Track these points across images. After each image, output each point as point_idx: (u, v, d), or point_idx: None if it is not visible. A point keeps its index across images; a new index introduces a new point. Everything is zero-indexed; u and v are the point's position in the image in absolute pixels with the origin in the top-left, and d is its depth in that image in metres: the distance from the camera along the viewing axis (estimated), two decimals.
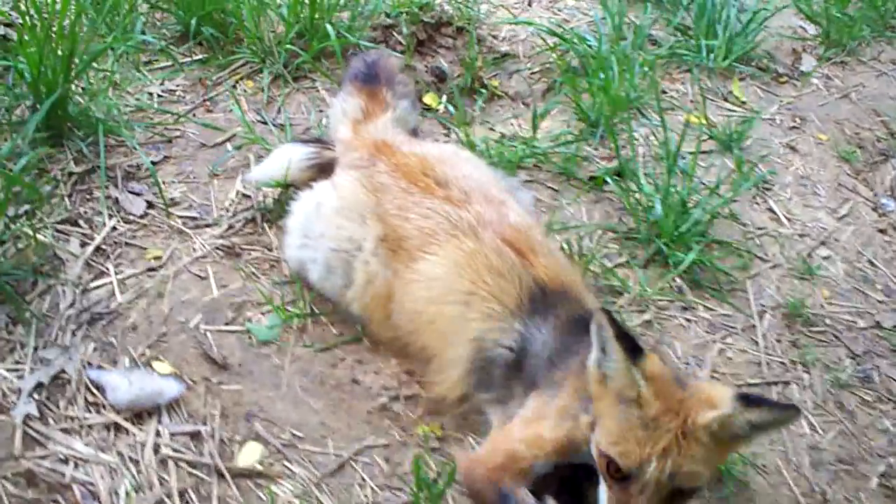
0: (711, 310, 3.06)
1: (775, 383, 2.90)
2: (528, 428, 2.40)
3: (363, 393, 2.65)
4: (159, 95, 3.46)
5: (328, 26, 3.55)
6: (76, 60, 3.04)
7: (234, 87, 3.55)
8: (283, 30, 3.65)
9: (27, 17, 3.00)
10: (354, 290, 2.71)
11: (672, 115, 3.73)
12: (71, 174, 3.07)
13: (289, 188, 3.04)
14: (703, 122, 3.69)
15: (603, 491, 2.18)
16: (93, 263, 2.84)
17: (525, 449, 2.36)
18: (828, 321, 3.10)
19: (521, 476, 2.35)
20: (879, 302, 3.21)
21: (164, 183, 3.12)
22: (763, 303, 3.12)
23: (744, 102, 3.96)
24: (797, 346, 3.03)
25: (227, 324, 2.75)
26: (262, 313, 2.80)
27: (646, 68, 3.74)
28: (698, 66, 4.01)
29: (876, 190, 3.69)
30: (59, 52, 2.97)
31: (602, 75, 3.63)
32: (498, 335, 2.51)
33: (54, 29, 2.98)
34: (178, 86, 3.52)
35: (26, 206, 2.83)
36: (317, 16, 3.57)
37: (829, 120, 3.99)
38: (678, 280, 3.09)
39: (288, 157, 3.03)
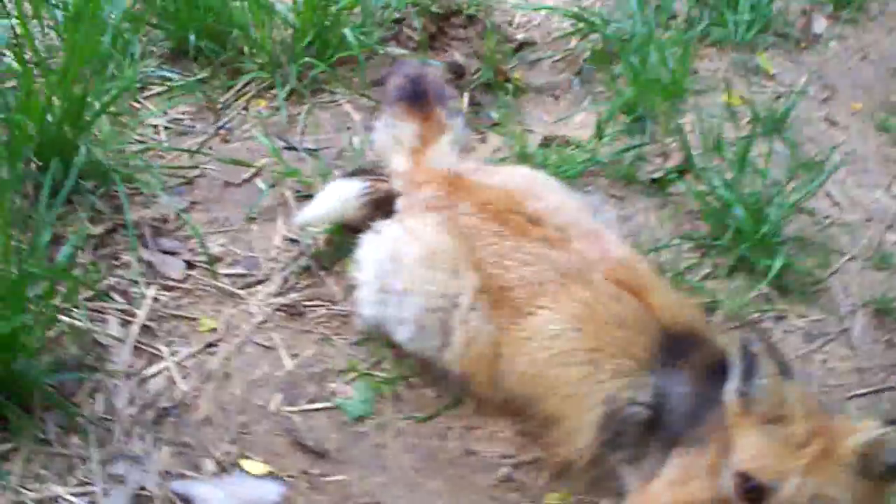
0: (803, 316, 2.87)
1: (881, 391, 2.74)
2: (677, 490, 2.18)
3: (481, 464, 2.39)
4: (165, 128, 3.03)
5: (346, 31, 3.15)
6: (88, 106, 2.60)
7: (244, 108, 3.14)
8: (290, 37, 3.23)
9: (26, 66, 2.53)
10: (453, 350, 2.42)
11: (705, 97, 3.49)
12: (90, 236, 2.66)
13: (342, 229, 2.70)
14: (741, 102, 3.46)
15: None
16: (141, 346, 2.47)
17: None
18: None
19: None
20: None
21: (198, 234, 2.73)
22: (851, 302, 2.94)
23: (773, 76, 3.74)
24: (893, 345, 2.87)
25: (311, 401, 2.44)
26: (347, 383, 2.49)
27: (676, 49, 3.47)
28: (722, 41, 3.76)
29: None
30: (66, 101, 2.53)
31: (634, 59, 3.34)
32: (632, 392, 2.27)
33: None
34: (183, 113, 3.10)
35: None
36: (327, 21, 3.16)
37: (857, 87, 3.80)
38: (765, 288, 2.88)
39: (341, 196, 2.71)
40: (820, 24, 4.06)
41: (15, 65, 2.73)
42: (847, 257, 3.08)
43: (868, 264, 3.07)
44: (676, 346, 2.29)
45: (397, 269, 2.47)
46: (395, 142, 2.73)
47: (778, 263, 2.85)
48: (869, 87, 3.79)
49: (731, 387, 2.04)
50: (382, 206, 2.68)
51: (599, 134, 3.13)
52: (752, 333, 2.05)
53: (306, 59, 3.19)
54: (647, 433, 2.29)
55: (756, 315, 2.82)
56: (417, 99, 2.76)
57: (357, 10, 3.33)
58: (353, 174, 2.79)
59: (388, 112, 2.80)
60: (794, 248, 3.00)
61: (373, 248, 2.56)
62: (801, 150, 3.28)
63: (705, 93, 3.51)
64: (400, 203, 2.63)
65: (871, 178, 3.39)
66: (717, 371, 2.18)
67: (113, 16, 2.80)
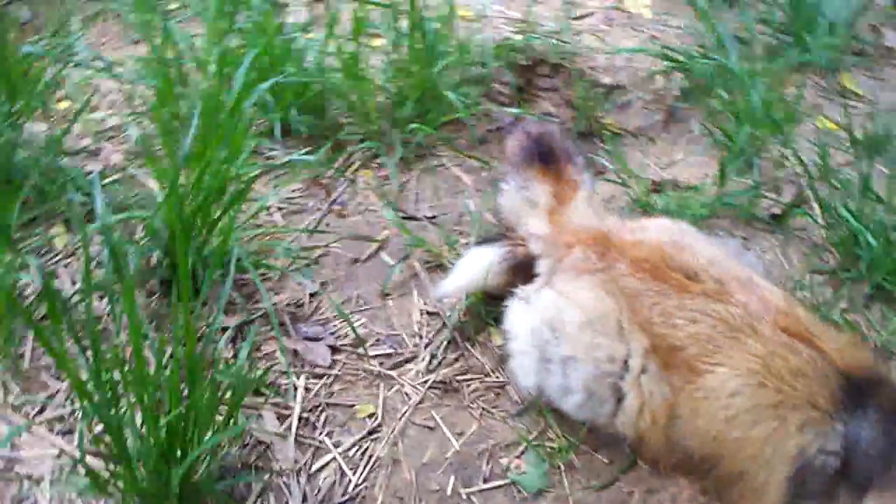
0: None
1: None
2: None
3: None
4: (279, 208, 2.98)
5: (448, 93, 3.11)
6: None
7: (352, 181, 3.09)
8: (390, 105, 3.19)
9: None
10: (626, 415, 2.36)
11: (801, 125, 3.46)
12: (224, 328, 2.60)
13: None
14: (836, 127, 3.43)
15: None
16: (302, 439, 2.40)
17: None
18: None
19: None
20: None
21: (333, 316, 2.68)
22: None
23: (860, 95, 3.71)
24: None
25: (486, 480, 2.36)
26: (518, 457, 2.42)
27: (765, 79, 3.44)
28: (803, 66, 3.74)
29: None
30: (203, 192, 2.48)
31: (726, 93, 3.32)
32: (821, 443, 2.21)
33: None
34: (293, 191, 3.04)
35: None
36: (427, 84, 3.13)
37: None
38: None
39: (482, 264, 2.64)
40: (892, 38, 4.04)
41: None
42: None
43: None
44: (858, 390, 2.24)
45: (558, 336, 2.41)
46: (529, 204, 2.68)
47: None
48: None
49: None
50: (521, 272, 2.62)
51: (723, 174, 3.08)
52: None
53: (410, 124, 3.13)
54: (836, 481, 2.24)
55: None
56: (548, 158, 2.71)
57: (451, 69, 3.27)
58: (487, 240, 2.73)
59: (517, 173, 2.74)
60: None
61: (526, 317, 2.50)
62: None
63: (800, 121, 3.47)
64: (542, 266, 2.57)
65: None
66: None
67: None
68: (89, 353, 1.93)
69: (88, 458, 2.06)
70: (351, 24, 3.20)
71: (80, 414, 2.32)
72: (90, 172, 2.91)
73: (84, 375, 1.98)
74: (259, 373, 2.40)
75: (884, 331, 2.77)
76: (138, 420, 2.03)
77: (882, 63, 3.90)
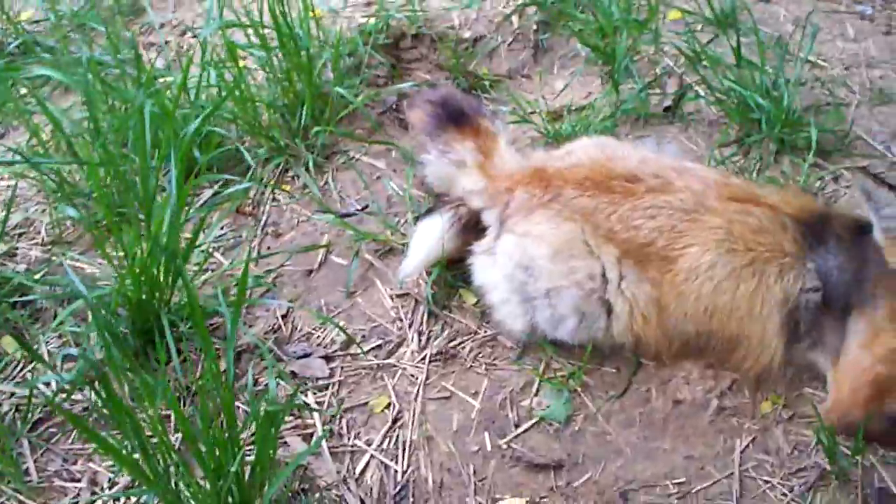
0: (850, 167, 3.08)
1: None
2: (872, 347, 2.34)
3: (691, 408, 2.48)
4: (215, 248, 2.96)
5: (339, 90, 3.16)
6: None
7: (274, 200, 3.11)
8: (282, 117, 3.22)
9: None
10: (620, 322, 2.50)
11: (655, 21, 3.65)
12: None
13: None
14: (683, 14, 3.64)
15: None
16: (335, 451, 2.44)
17: (886, 366, 2.30)
18: None
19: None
20: None
21: (312, 330, 2.71)
22: (881, 139, 3.17)
23: None
24: None
25: (517, 426, 2.47)
26: (536, 395, 2.53)
27: None
28: None
29: None
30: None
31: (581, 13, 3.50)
32: (801, 283, 2.41)
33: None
34: (222, 228, 3.03)
35: None
36: (313, 86, 3.17)
37: None
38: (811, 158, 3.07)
39: (433, 235, 2.71)
40: None
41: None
42: (854, 105, 3.29)
43: (874, 102, 3.30)
44: (814, 229, 2.45)
45: (533, 273, 2.52)
46: (457, 165, 2.76)
47: (815, 132, 3.03)
48: None
49: (877, 230, 2.26)
50: (471, 230, 2.71)
51: (616, 85, 3.24)
52: (863, 179, 2.26)
53: (311, 129, 3.17)
54: (819, 314, 2.43)
55: (818, 182, 3.00)
56: (459, 118, 2.80)
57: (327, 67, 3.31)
58: (429, 211, 2.80)
59: (434, 141, 2.82)
60: (814, 116, 3.19)
61: (494, 267, 2.60)
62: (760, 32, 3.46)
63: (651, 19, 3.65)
64: (490, 217, 2.67)
65: (824, 34, 3.62)
66: (854, 231, 2.38)
67: None
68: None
69: None
70: (214, 54, 3.20)
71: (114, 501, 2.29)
72: (18, 273, 2.81)
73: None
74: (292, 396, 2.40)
75: (798, 176, 2.99)
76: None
77: None
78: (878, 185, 2.24)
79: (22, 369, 2.67)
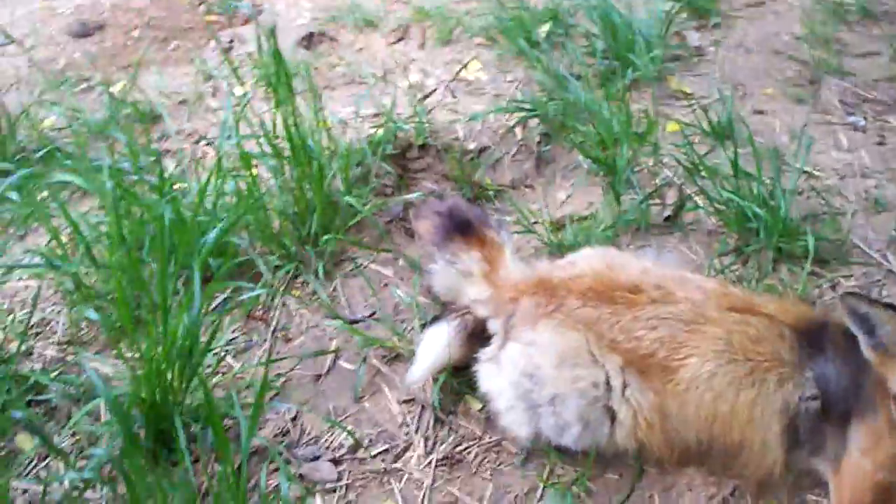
0: (850, 276, 3.15)
1: None
2: (875, 454, 2.38)
3: None
4: (226, 353, 3.03)
5: (348, 199, 3.27)
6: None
7: (283, 304, 3.19)
8: (292, 225, 3.33)
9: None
10: (624, 430, 2.55)
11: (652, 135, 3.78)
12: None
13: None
14: (680, 127, 3.78)
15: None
16: None
17: (887, 473, 2.35)
18: None
19: None
20: None
21: (321, 433, 2.76)
22: (877, 247, 3.25)
23: (689, 93, 4.10)
24: None
25: None
26: (539, 500, 2.57)
27: (610, 102, 3.78)
28: (635, 81, 4.11)
29: None
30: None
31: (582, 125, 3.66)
32: (801, 391, 2.47)
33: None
34: (233, 332, 3.10)
35: None
36: (323, 195, 3.28)
37: (758, 76, 4.25)
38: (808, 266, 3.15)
39: (441, 342, 2.78)
40: (693, 38, 4.48)
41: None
42: (850, 213, 3.39)
43: (870, 211, 3.39)
44: (811, 338, 2.52)
45: (538, 381, 2.57)
46: (464, 274, 2.84)
47: (812, 241, 3.12)
48: (766, 71, 4.21)
49: (864, 347, 2.34)
50: (476, 338, 2.78)
51: (617, 196, 3.35)
52: (852, 299, 2.34)
53: (320, 237, 3.26)
54: (818, 421, 2.48)
55: (815, 290, 3.07)
56: (465, 228, 2.89)
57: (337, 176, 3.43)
58: (436, 319, 2.87)
59: (442, 251, 2.91)
60: (811, 225, 3.28)
61: (500, 375, 2.65)
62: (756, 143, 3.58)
63: (650, 132, 3.79)
64: (495, 326, 2.74)
65: (819, 145, 3.75)
66: (851, 338, 2.42)
67: None
68: None
69: None
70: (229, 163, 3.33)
71: None
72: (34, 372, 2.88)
73: None
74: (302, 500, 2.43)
75: (796, 284, 3.06)
76: None
77: (696, 61, 4.32)
78: (874, 307, 2.32)
79: (35, 466, 2.70)
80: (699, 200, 3.40)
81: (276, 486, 2.58)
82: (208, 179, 3.00)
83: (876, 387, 2.40)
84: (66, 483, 2.58)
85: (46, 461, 2.69)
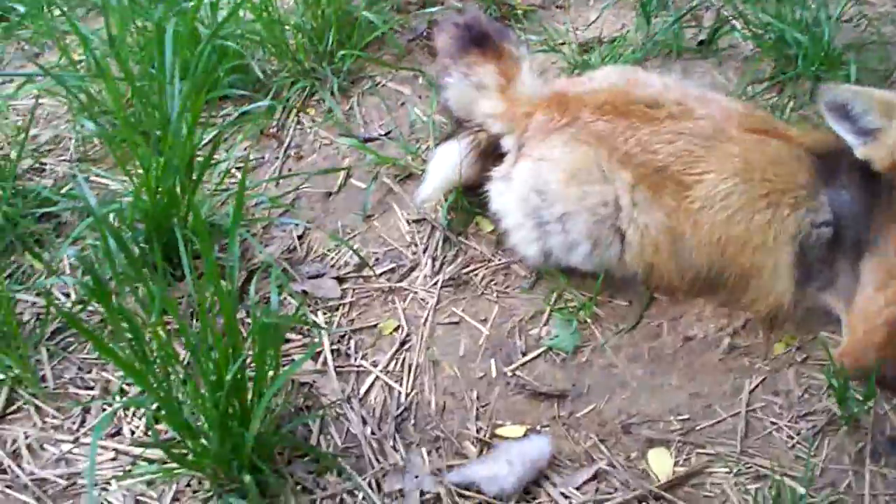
0: None
1: None
2: (888, 290, 2.26)
3: (702, 345, 2.43)
4: (237, 168, 2.97)
5: (367, 14, 3.13)
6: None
7: (298, 123, 3.10)
8: (308, 41, 3.20)
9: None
10: (633, 250, 2.46)
11: None
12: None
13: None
14: None
15: None
16: (340, 370, 2.44)
17: None
18: None
19: None
20: None
21: (327, 251, 2.71)
22: None
23: None
24: None
25: (524, 354, 2.44)
26: (545, 324, 2.51)
27: None
28: None
29: None
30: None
31: None
32: (814, 216, 2.35)
33: None
34: (245, 149, 3.04)
35: None
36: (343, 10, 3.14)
37: None
38: None
39: (450, 160, 2.69)
40: None
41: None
42: None
43: None
44: (829, 163, 2.39)
45: (547, 198, 2.48)
46: (478, 88, 2.71)
47: (854, 70, 2.93)
48: None
49: (852, 141, 2.25)
50: (489, 156, 2.68)
51: (647, 17, 3.16)
52: (830, 90, 2.26)
53: (336, 53, 3.14)
54: (831, 252, 2.37)
55: None
56: (483, 41, 2.75)
57: None
58: (448, 137, 2.77)
59: (457, 64, 2.77)
60: (856, 54, 3.07)
61: (510, 192, 2.57)
62: None
63: None
64: (509, 142, 2.63)
65: None
66: (864, 169, 2.30)
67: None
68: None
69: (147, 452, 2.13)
70: None
71: (124, 409, 2.33)
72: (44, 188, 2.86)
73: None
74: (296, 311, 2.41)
75: None
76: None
77: None
78: (852, 94, 2.24)
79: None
80: (737, 24, 3.18)
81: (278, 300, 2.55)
82: None
83: (887, 219, 2.27)
84: (73, 296, 2.58)
85: (54, 276, 2.67)
